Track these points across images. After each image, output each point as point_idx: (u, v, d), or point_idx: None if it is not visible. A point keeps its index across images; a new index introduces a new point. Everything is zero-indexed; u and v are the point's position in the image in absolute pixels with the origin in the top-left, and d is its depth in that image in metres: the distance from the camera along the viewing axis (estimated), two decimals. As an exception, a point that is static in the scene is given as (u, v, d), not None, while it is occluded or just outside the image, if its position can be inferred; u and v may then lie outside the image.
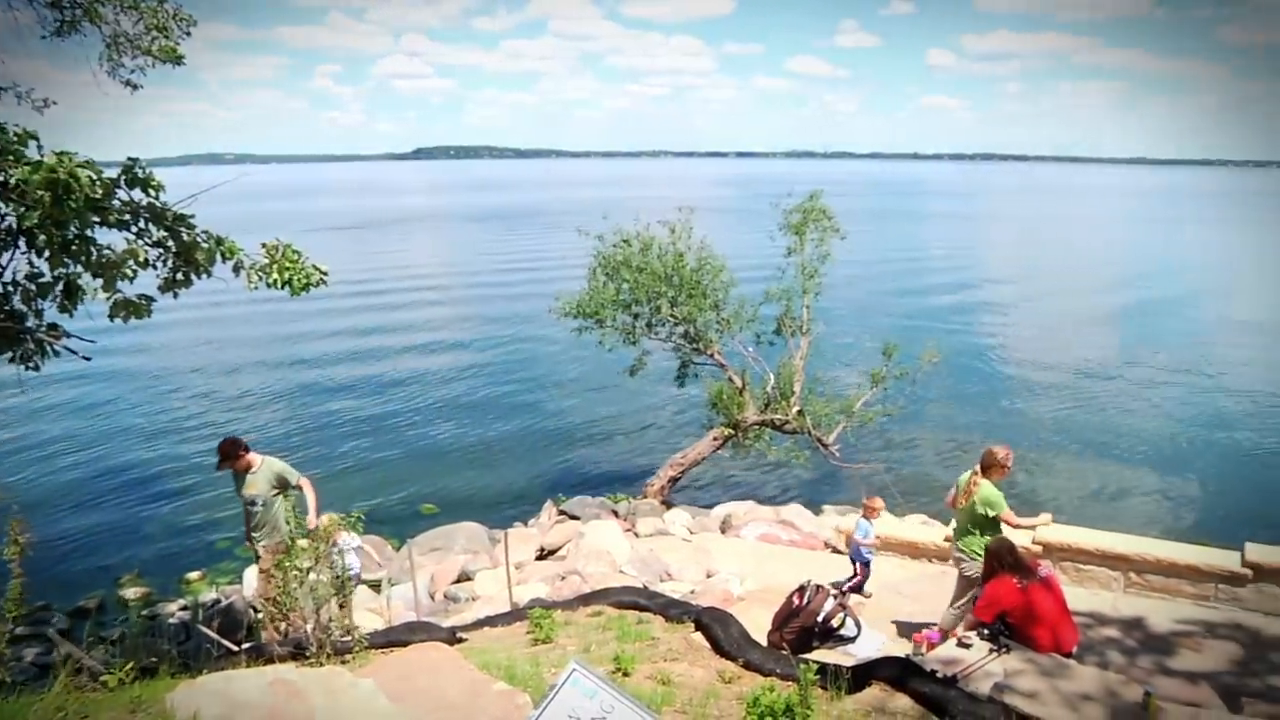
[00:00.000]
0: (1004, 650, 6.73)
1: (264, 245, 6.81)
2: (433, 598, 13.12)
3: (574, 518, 16.22)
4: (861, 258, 53.27)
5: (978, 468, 8.72)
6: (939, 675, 6.05)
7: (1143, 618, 9.80)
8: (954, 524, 9.06)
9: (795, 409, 17.69)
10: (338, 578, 7.04)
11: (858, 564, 10.57)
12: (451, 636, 7.41)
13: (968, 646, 6.88)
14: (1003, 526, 8.53)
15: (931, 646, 7.20)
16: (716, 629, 6.98)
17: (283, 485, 9.06)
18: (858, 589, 10.52)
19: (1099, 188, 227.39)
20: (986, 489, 8.55)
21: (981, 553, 8.39)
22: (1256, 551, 10.09)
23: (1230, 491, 19.03)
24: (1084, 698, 5.81)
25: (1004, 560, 7.58)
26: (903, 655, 6.84)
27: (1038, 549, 10.45)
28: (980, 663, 6.40)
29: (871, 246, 63.44)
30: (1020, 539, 9.23)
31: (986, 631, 7.21)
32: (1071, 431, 23.65)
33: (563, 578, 11.97)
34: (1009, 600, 7.24)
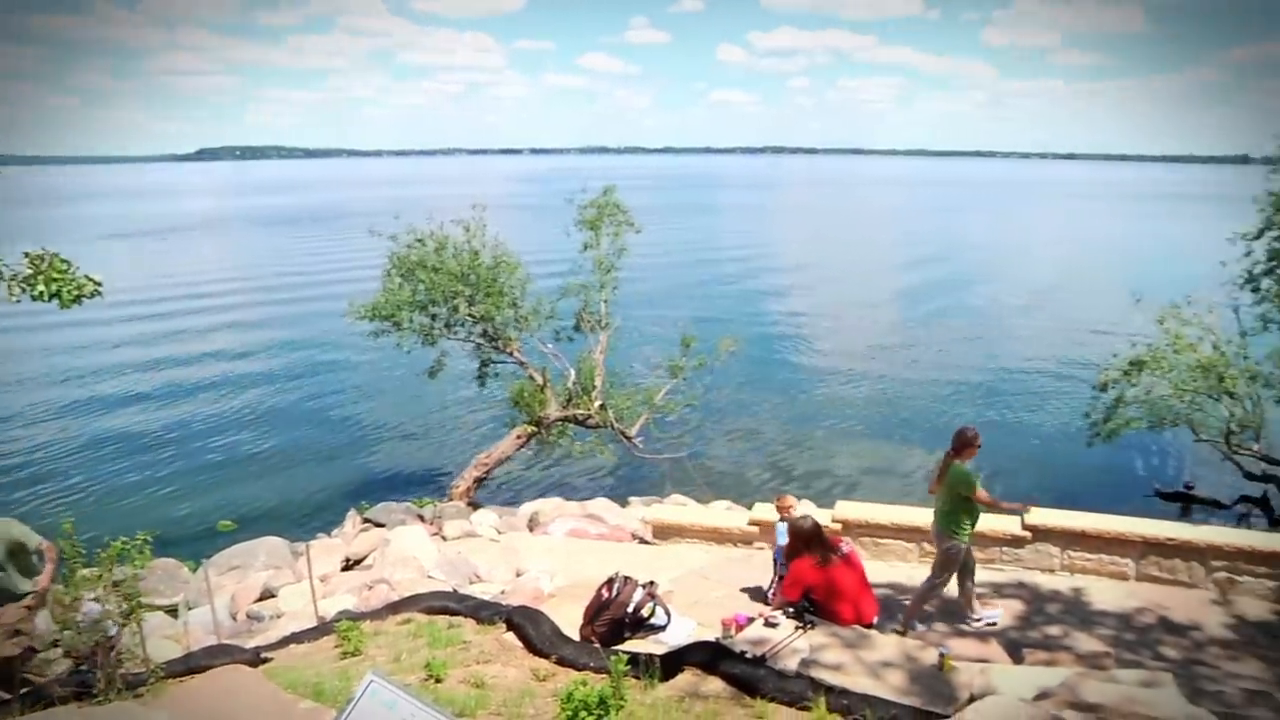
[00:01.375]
0: (809, 626, 6.95)
1: (27, 255, 6.43)
2: (234, 619, 12.26)
3: (379, 525, 15.81)
4: (658, 251, 54.33)
5: (950, 449, 8.94)
6: (748, 656, 6.17)
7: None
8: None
9: (597, 403, 17.79)
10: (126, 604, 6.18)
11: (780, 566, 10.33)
12: (255, 657, 6.95)
13: (774, 626, 7.03)
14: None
15: (740, 629, 7.16)
16: (528, 628, 6.95)
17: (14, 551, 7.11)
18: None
19: (882, 178, 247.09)
20: (958, 470, 8.81)
21: (961, 530, 8.78)
22: (1033, 515, 10.83)
23: (1008, 462, 20.65)
24: (885, 665, 6.09)
25: (809, 540, 7.79)
26: (713, 639, 6.85)
27: (837, 526, 10.66)
28: (787, 640, 6.57)
29: (667, 240, 65.07)
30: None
31: (792, 610, 7.45)
32: (864, 412, 25.02)
33: (370, 587, 11.51)
34: (813, 578, 7.56)
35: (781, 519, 9.85)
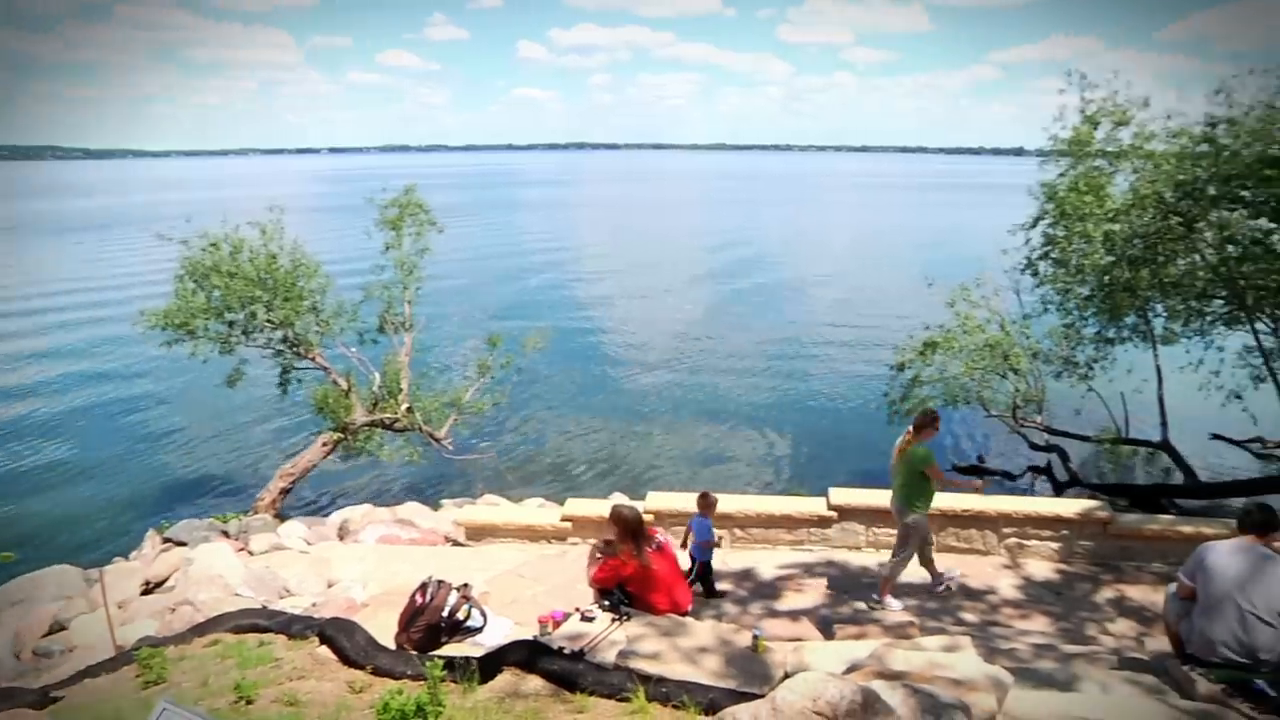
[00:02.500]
0: (626, 618, 7.07)
1: None
2: (18, 658, 11.12)
3: (181, 544, 14.74)
4: (464, 250, 53.68)
5: (910, 429, 9.43)
6: (566, 651, 6.23)
7: (750, 568, 10.69)
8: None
9: (404, 406, 17.34)
10: None
11: (697, 562, 10.23)
12: (43, 698, 6.45)
13: (591, 620, 7.11)
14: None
15: (557, 625, 7.18)
16: (341, 639, 6.77)
17: None
18: (710, 591, 10.20)
19: (684, 172, 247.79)
20: (917, 449, 9.29)
21: (919, 505, 9.35)
22: (838, 495, 11.39)
23: (814, 445, 21.26)
24: (701, 650, 6.20)
25: (630, 531, 7.86)
26: (530, 637, 6.81)
27: (650, 518, 10.78)
28: (604, 633, 6.65)
29: (473, 239, 63.96)
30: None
31: (608, 603, 7.59)
32: (673, 403, 25.21)
33: (173, 610, 10.77)
34: (627, 569, 7.60)
35: (702, 514, 10.04)
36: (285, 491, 17.44)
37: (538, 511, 13.14)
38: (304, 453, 17.77)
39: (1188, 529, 10.84)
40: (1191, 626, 6.77)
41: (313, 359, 17.59)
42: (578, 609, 7.39)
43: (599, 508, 11.06)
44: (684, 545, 10.12)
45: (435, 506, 16.74)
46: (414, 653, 7.15)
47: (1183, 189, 15.20)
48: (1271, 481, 16.14)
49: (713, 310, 40.03)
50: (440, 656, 6.24)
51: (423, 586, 8.42)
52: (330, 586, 11.27)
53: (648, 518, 10.75)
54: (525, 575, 10.40)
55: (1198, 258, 16.05)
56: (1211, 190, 14.90)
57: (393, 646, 7.46)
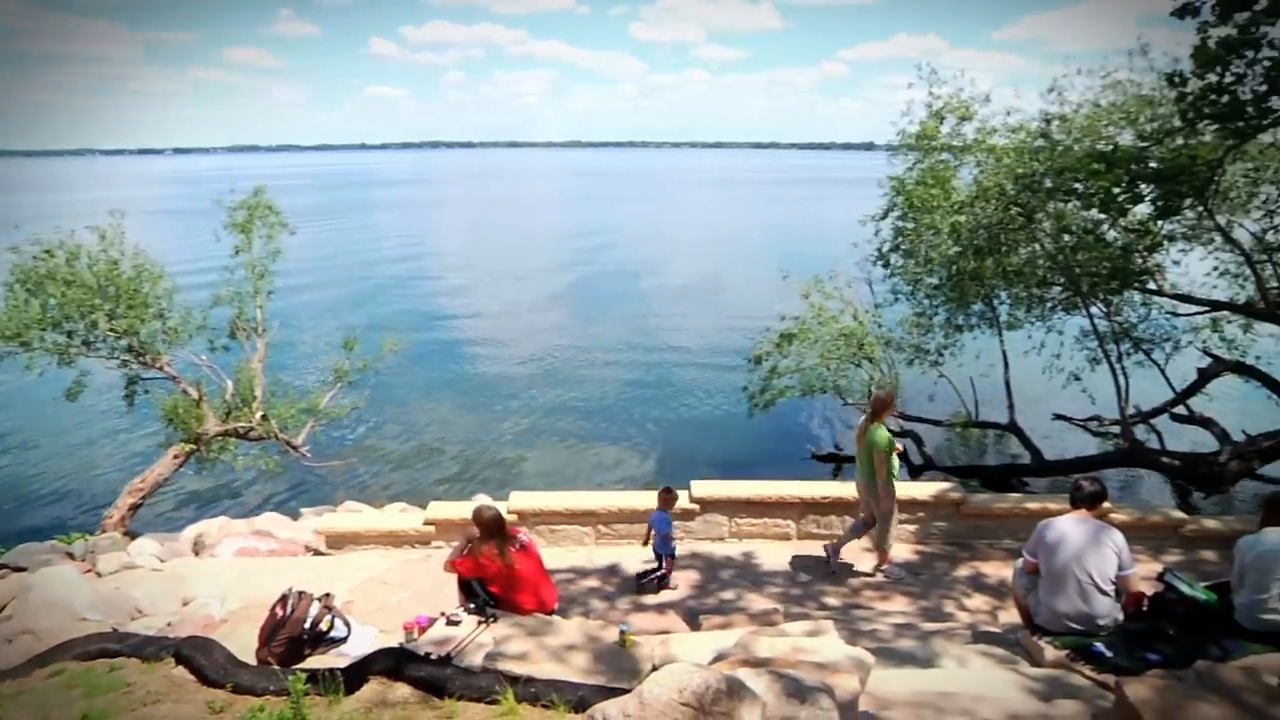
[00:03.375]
0: (492, 619, 6.98)
1: None
2: None
3: (20, 569, 13.57)
4: (318, 253, 52.00)
5: (868, 413, 10.13)
6: (433, 656, 6.15)
7: (616, 564, 10.73)
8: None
9: (259, 414, 16.60)
10: None
11: (664, 557, 10.17)
12: None
13: (457, 623, 7.02)
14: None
15: (422, 630, 7.12)
16: (199, 658, 6.42)
17: None
18: (664, 581, 10.17)
19: (540, 170, 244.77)
20: (875, 431, 9.94)
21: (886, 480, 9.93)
22: (701, 488, 11.52)
23: (676, 439, 21.34)
24: (569, 648, 6.19)
25: (492, 530, 7.82)
26: (396, 644, 6.71)
27: (513, 518, 10.73)
28: (471, 636, 6.56)
29: (327, 241, 61.98)
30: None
31: (474, 605, 7.49)
32: (536, 403, 24.88)
33: (10, 641, 9.95)
34: (491, 569, 7.57)
35: (662, 509, 10.13)
36: (135, 508, 16.64)
37: (400, 516, 12.87)
38: (154, 466, 16.99)
39: (1034, 505, 11.38)
40: (1038, 599, 7.14)
41: (160, 368, 16.83)
42: (443, 613, 7.30)
43: (463, 510, 10.93)
44: (646, 542, 10.33)
45: (295, 516, 16.25)
46: (276, 667, 6.87)
47: (1022, 182, 15.97)
48: (1108, 457, 17.11)
49: (572, 308, 40.01)
50: (303, 669, 6.03)
51: (283, 599, 8.20)
52: (186, 604, 10.78)
53: (511, 518, 10.73)
54: (389, 582, 10.23)
55: (1037, 247, 16.88)
56: (1048, 183, 15.68)
57: (254, 662, 7.22)
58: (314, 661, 7.62)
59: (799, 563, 10.86)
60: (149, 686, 6.31)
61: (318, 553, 12.42)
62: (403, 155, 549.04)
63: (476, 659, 6.07)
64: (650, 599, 9.84)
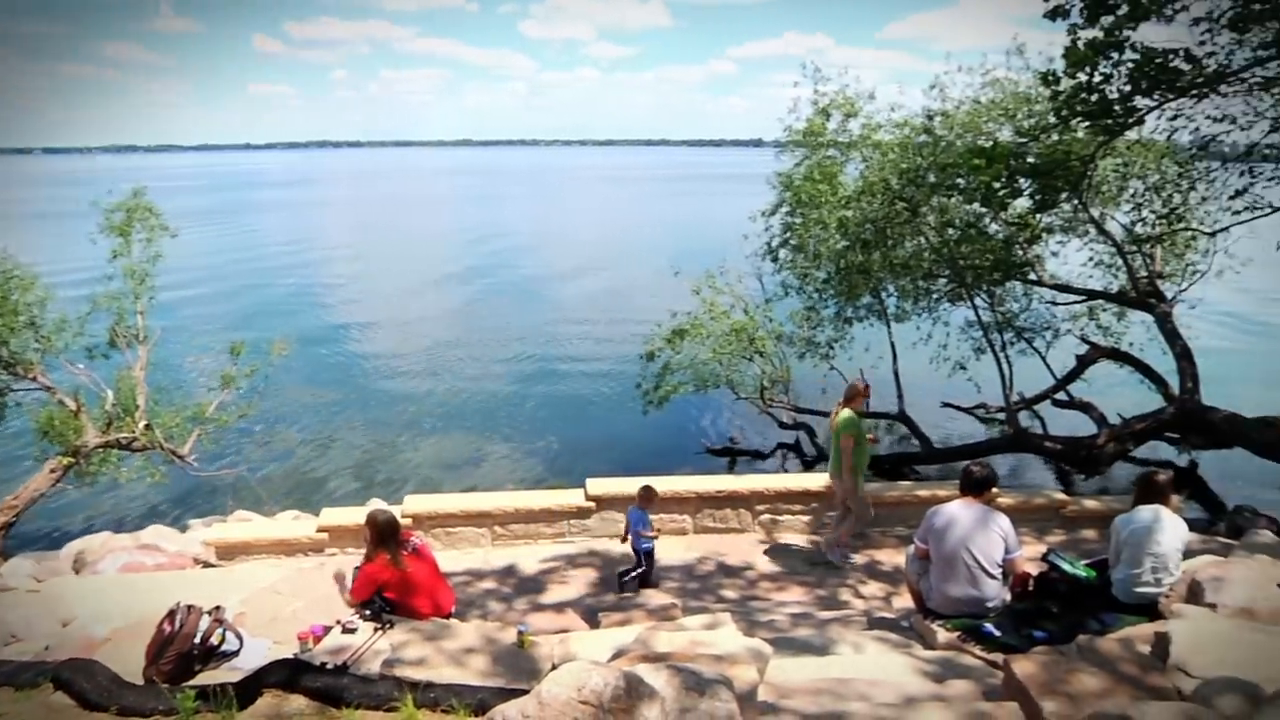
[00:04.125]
0: (388, 626, 6.93)
1: None
2: None
3: None
4: (202, 256, 50.25)
5: (840, 401, 10.48)
6: (329, 666, 6.05)
7: (513, 564, 10.69)
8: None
9: (141, 424, 15.92)
10: None
11: (641, 555, 10.04)
12: None
13: (353, 631, 6.96)
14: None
15: (318, 640, 7.00)
16: (80, 681, 6.12)
17: None
18: (646, 580, 10.08)
19: (431, 169, 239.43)
20: (843, 416, 10.29)
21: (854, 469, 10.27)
22: (596, 485, 11.57)
23: (571, 437, 21.21)
24: (467, 651, 6.19)
25: (385, 535, 7.73)
26: (290, 655, 6.56)
27: (408, 522, 10.62)
28: (368, 644, 6.49)
29: (211, 243, 59.63)
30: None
31: (368, 613, 7.33)
32: (430, 405, 24.43)
33: None
34: (385, 576, 7.50)
35: (640, 507, 10.06)
36: (7, 526, 15.89)
37: (293, 524, 12.61)
38: (28, 482, 16.26)
39: (924, 493, 11.73)
40: (929, 584, 7.35)
41: (34, 379, 16.12)
42: (339, 621, 7.18)
43: (356, 515, 10.75)
44: (624, 539, 10.25)
45: (182, 528, 15.73)
46: (164, 686, 6.63)
47: (907, 177, 16.42)
48: (994, 443, 17.69)
49: (465, 308, 39.60)
50: (193, 686, 5.86)
51: (170, 614, 7.95)
52: (65, 626, 10.32)
53: (406, 521, 10.62)
54: (283, 592, 9.98)
55: (922, 240, 17.36)
56: (932, 178, 16.16)
57: (141, 682, 6.96)
58: (205, 677, 7.30)
59: (697, 556, 11.00)
60: (24, 716, 6.02)
61: (207, 565, 12.10)
62: (289, 155, 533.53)
63: (374, 666, 6.00)
64: (549, 598, 9.84)
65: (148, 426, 16.21)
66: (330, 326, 35.13)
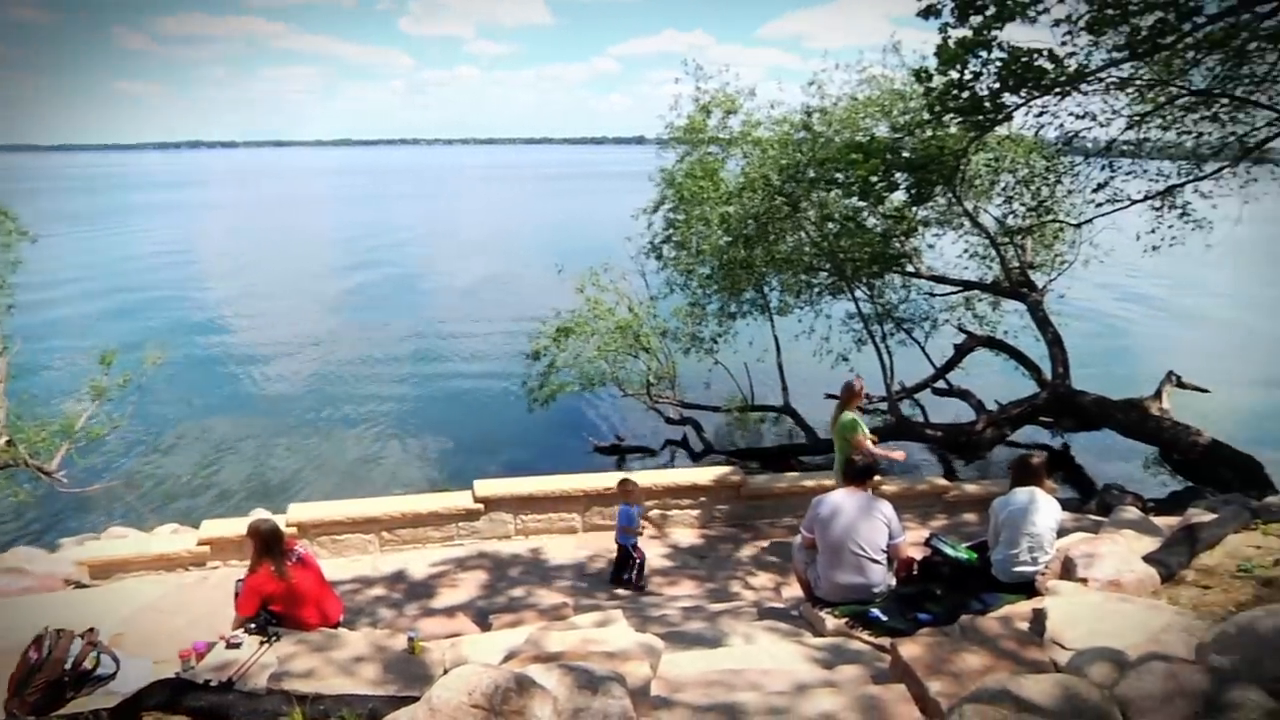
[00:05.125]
0: (275, 639, 6.73)
1: None
2: None
3: None
4: (67, 262, 48.07)
5: (839, 402, 10.53)
6: (213, 684, 5.87)
7: (402, 570, 10.53)
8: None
9: (3, 440, 15.09)
10: None
11: (625, 548, 10.02)
12: None
13: (237, 646, 6.70)
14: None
15: (200, 657, 6.80)
16: None
17: None
18: (640, 573, 10.15)
19: (310, 169, 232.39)
20: (845, 418, 10.27)
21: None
22: (484, 487, 11.46)
23: (459, 439, 20.90)
24: (357, 660, 6.11)
25: (269, 545, 7.55)
26: (172, 675, 6.36)
27: (292, 530, 10.36)
28: (253, 658, 6.28)
29: (77, 249, 57.05)
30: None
31: (253, 626, 7.12)
32: (314, 410, 23.72)
33: None
34: (270, 588, 7.33)
35: (626, 502, 10.10)
36: None
37: (172, 538, 12.14)
38: None
39: (810, 483, 11.97)
40: (817, 572, 7.50)
41: (-123, 396, 15.25)
42: (223, 637, 6.98)
43: (239, 527, 10.42)
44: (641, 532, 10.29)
45: (52, 548, 15.01)
46: (31, 718, 6.45)
47: (787, 172, 16.72)
48: (877, 432, 18.07)
49: (347, 311, 38.79)
50: (64, 715, 5.75)
51: (37, 640, 7.60)
52: (-82, 664, 9.86)
53: (290, 530, 10.36)
54: (163, 609, 9.63)
55: (803, 235, 17.69)
56: (811, 173, 16.50)
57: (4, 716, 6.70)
58: (78, 705, 7.08)
59: (587, 555, 11.00)
60: None
61: (80, 585, 11.60)
62: (158, 156, 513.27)
63: (260, 681, 5.84)
64: (439, 602, 9.72)
65: (9, 442, 15.45)
66: (210, 333, 34.04)
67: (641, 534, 10.39)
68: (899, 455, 11.00)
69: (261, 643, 6.59)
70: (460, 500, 11.35)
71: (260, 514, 11.77)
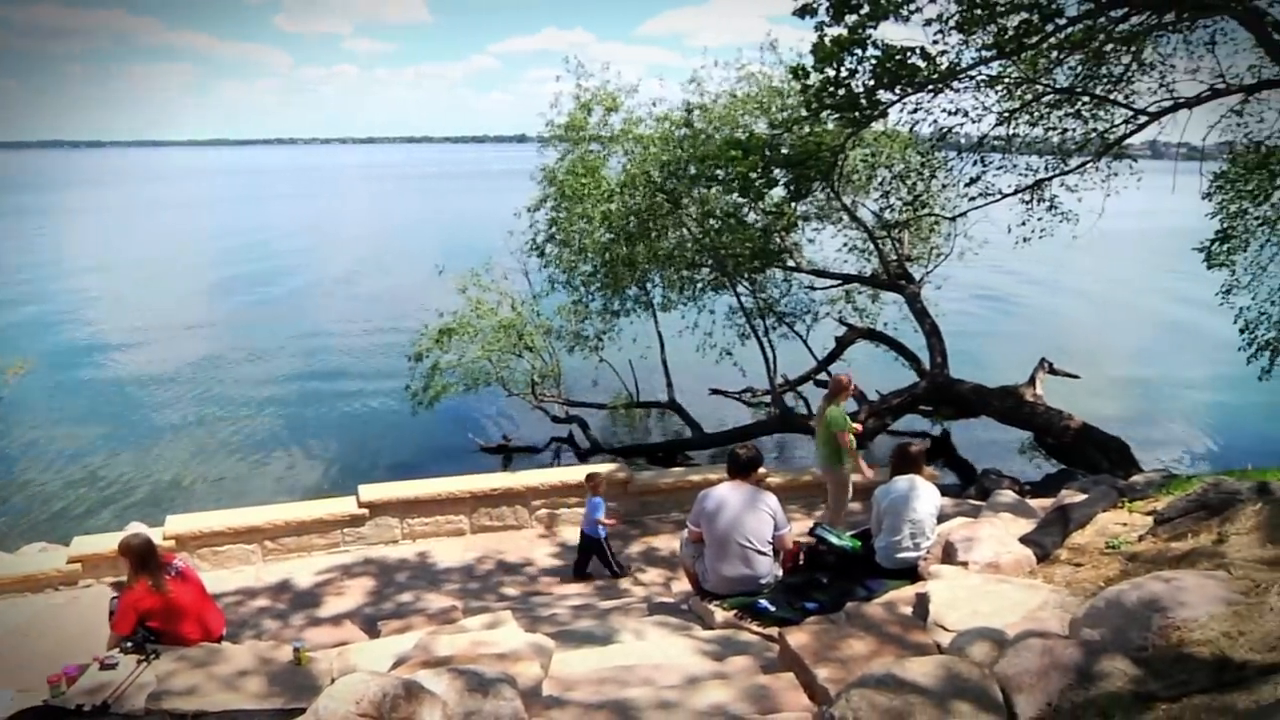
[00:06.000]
0: (153, 657, 6.44)
1: None
2: None
3: None
4: None
5: (826, 395, 10.63)
6: (86, 709, 5.64)
7: (287, 579, 10.30)
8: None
9: None
10: None
11: (590, 540, 10.04)
12: None
13: (113, 667, 6.44)
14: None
15: (72, 681, 6.51)
16: None
17: None
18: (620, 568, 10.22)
19: (184, 170, 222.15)
20: (832, 412, 10.28)
21: (836, 462, 10.32)
22: (368, 492, 11.29)
23: (342, 445, 20.39)
24: (241, 674, 5.93)
25: (143, 560, 7.25)
26: (40, 703, 6.10)
27: (170, 544, 10.00)
28: (130, 678, 6.02)
29: None
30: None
31: (130, 644, 6.85)
32: (193, 419, 22.75)
33: None
34: (146, 604, 7.04)
35: (593, 495, 10.20)
36: None
37: (39, 558, 11.54)
38: None
39: (697, 478, 12.09)
40: (705, 565, 7.56)
41: None
42: (97, 658, 6.69)
43: (112, 542, 10.01)
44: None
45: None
46: None
47: (668, 169, 16.88)
48: (762, 425, 18.39)
49: (228, 316, 37.56)
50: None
51: (-125, 683, 7.20)
52: None
53: (169, 544, 10.01)
54: (29, 633, 9.18)
55: (685, 231, 17.87)
56: (692, 170, 16.68)
57: None
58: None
59: (476, 556, 10.92)
60: None
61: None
62: (13, 156, 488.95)
63: (138, 702, 5.61)
64: (326, 611, 9.52)
65: None
66: (79, 340, 32.60)
67: (612, 525, 10.51)
68: (870, 473, 10.91)
69: (139, 661, 6.28)
70: (345, 506, 11.15)
71: (136, 528, 11.32)
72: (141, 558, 7.18)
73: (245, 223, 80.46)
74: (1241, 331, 16.08)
